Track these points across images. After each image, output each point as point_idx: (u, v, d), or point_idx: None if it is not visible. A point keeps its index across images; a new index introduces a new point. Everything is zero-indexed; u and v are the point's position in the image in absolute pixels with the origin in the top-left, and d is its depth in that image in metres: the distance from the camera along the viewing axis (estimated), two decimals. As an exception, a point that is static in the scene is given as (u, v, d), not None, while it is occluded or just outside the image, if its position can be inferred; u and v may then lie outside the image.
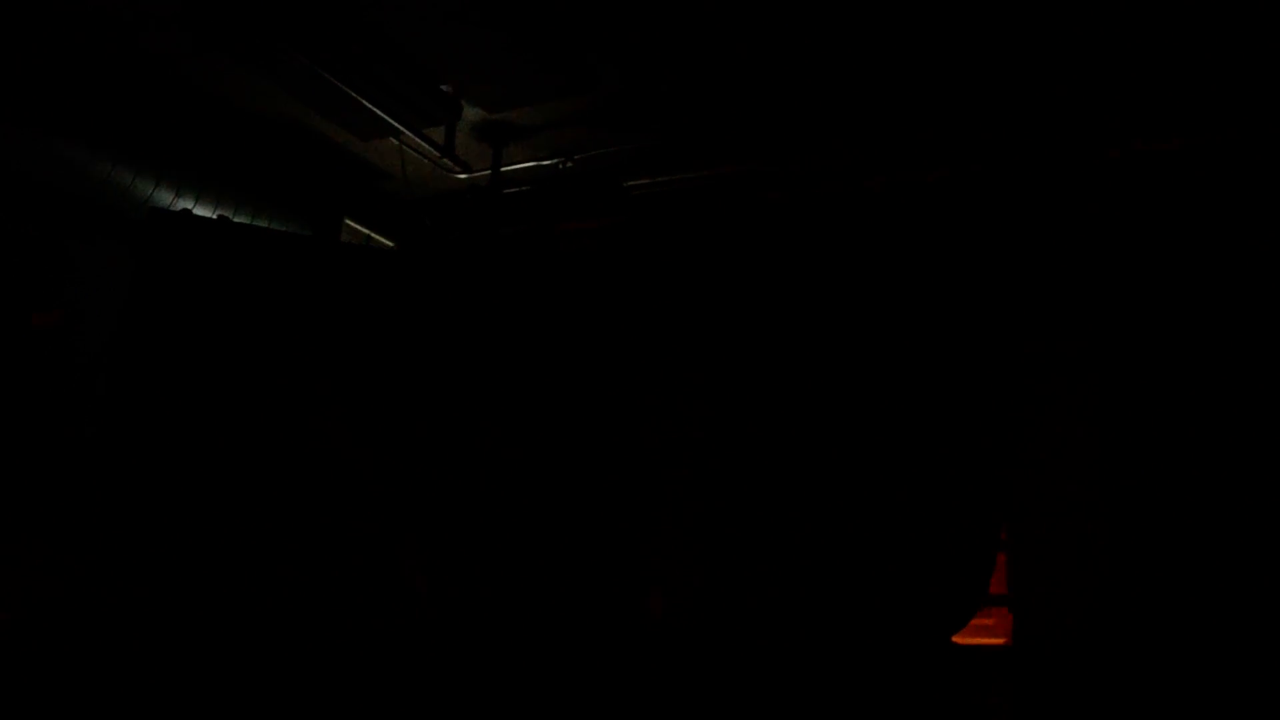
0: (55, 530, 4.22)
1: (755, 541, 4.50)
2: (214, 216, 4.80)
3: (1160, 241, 4.12)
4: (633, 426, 4.70)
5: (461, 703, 3.74)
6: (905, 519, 4.26)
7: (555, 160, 5.25)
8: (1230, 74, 4.06)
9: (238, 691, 3.70)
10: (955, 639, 4.17)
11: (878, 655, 4.15)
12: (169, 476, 4.13)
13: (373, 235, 5.89)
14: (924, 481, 4.27)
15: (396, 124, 4.63)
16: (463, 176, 5.35)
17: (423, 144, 4.93)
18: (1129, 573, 3.87)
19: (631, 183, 5.26)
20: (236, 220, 4.91)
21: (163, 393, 4.21)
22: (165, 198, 4.71)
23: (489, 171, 5.27)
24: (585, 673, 4.02)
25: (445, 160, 5.12)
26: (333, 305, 4.58)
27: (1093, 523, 3.98)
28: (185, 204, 4.77)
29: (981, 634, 4.31)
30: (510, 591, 4.31)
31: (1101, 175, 4.33)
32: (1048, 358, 4.20)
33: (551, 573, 4.34)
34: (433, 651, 4.01)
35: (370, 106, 4.45)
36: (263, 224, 5.14)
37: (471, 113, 4.78)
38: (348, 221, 5.74)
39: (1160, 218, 4.16)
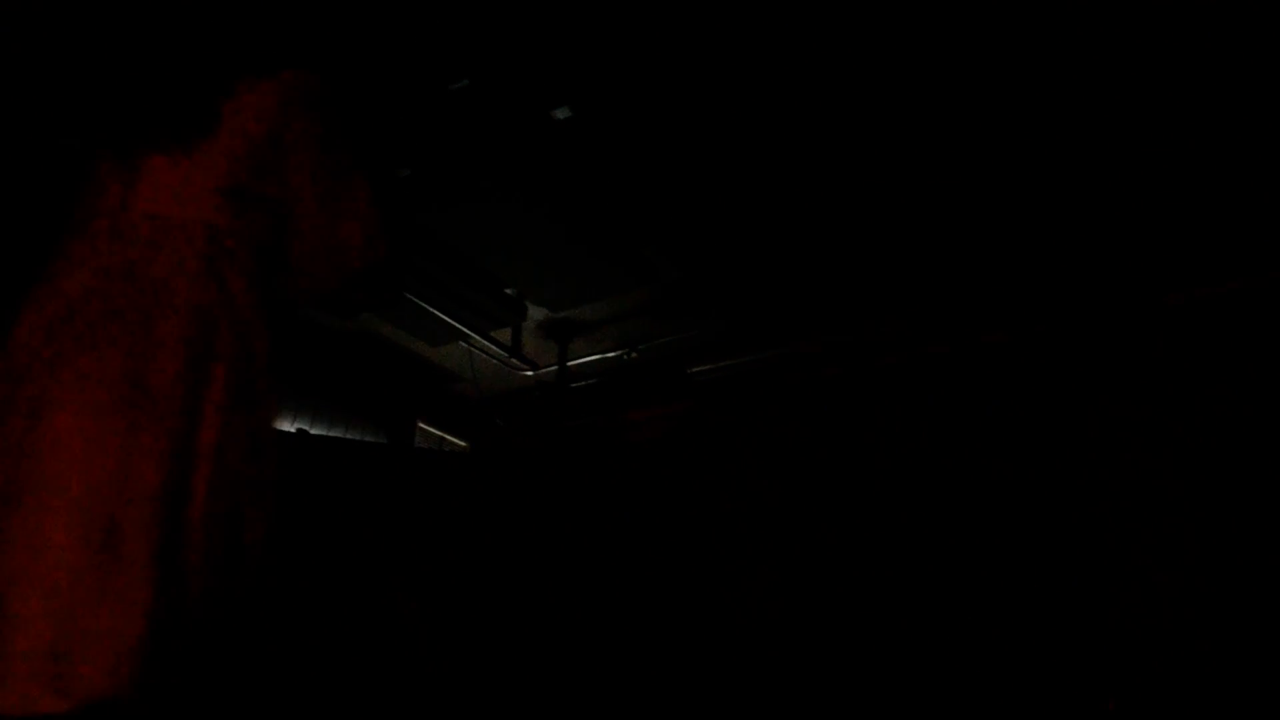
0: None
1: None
2: (293, 429, 4.95)
3: (1232, 379, 4.07)
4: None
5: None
6: (1009, 685, 4.12)
7: (619, 351, 5.36)
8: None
9: None
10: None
11: None
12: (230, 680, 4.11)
13: (446, 436, 6.01)
14: (1028, 648, 4.13)
15: (465, 329, 4.78)
16: (530, 374, 5.47)
17: (490, 345, 5.08)
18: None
19: (695, 368, 5.34)
20: (315, 430, 5.05)
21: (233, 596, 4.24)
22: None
23: (556, 367, 5.39)
24: None
25: (513, 360, 5.25)
26: (407, 507, 4.65)
27: (1204, 692, 3.79)
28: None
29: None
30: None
31: (1161, 321, 4.32)
32: (1140, 515, 4.11)
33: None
34: None
35: (440, 315, 4.61)
36: (340, 432, 5.27)
37: (536, 312, 4.93)
38: (421, 424, 5.87)
39: (1227, 355, 4.13)
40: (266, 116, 1.77)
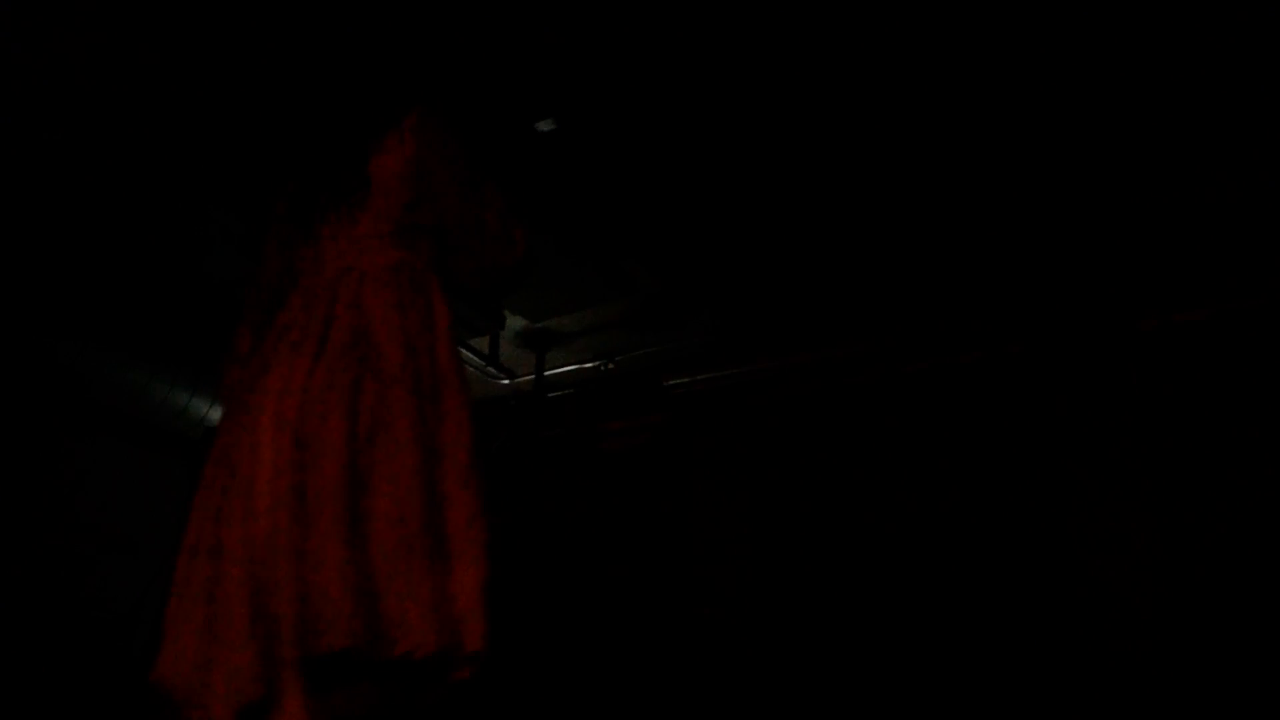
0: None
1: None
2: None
3: (1204, 401, 4.12)
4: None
5: None
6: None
7: (597, 362, 5.37)
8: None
9: None
10: None
11: None
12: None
13: (420, 442, 5.99)
14: (992, 675, 4.16)
15: (442, 336, 4.77)
16: (506, 382, 5.47)
17: (467, 354, 5.07)
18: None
19: (672, 381, 5.34)
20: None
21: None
22: (219, 415, 4.84)
23: (533, 376, 5.39)
24: None
25: (489, 368, 5.25)
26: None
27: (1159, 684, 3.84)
28: (239, 420, 4.89)
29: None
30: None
31: (1137, 345, 4.37)
32: (1097, 534, 4.15)
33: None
34: None
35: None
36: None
37: (514, 321, 4.92)
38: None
39: (1199, 378, 4.17)
40: (408, 161, 2.08)
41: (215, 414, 4.81)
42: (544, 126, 3.41)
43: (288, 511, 1.70)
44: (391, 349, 1.90)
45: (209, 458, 1.91)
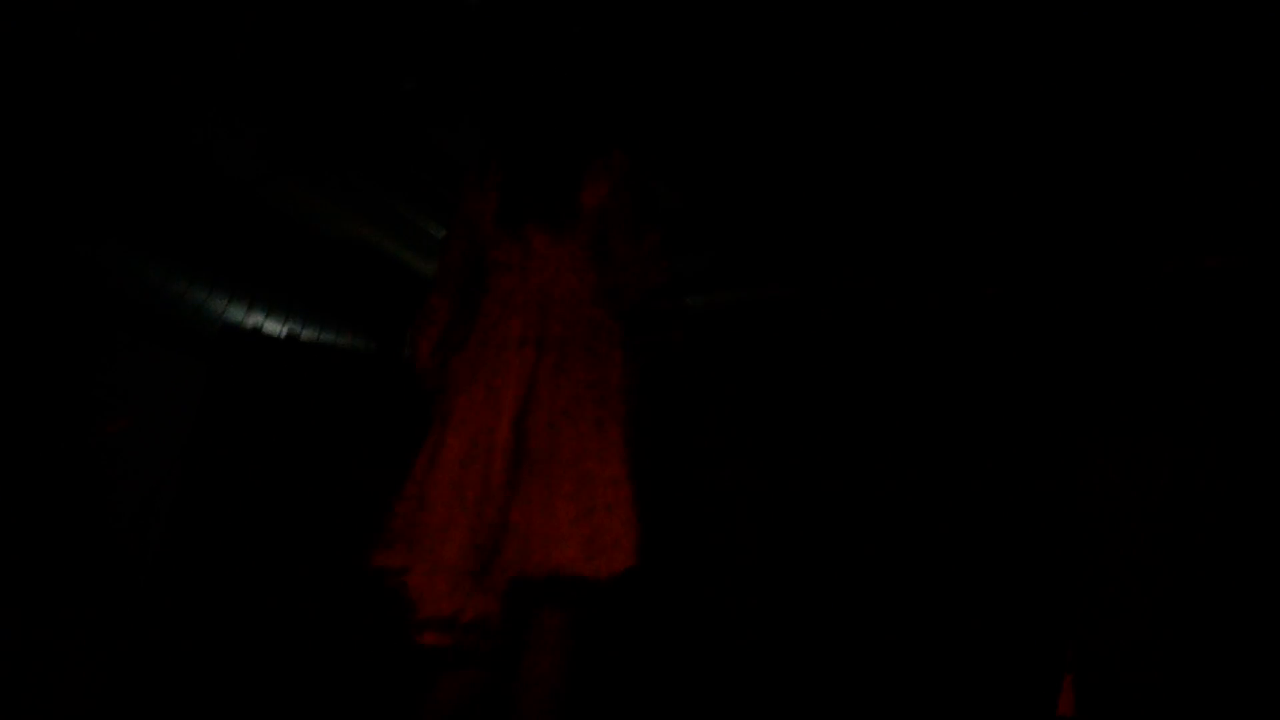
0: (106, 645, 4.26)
1: (807, 657, 4.44)
2: (283, 333, 4.93)
3: (1222, 346, 4.09)
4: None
5: None
6: (971, 635, 4.19)
7: (615, 278, 5.33)
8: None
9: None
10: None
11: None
12: (236, 582, 4.18)
13: (435, 349, 6.00)
14: (990, 598, 4.20)
15: (461, 244, 4.75)
16: (523, 297, 5.44)
17: (487, 270, 5.05)
18: (1203, 694, 3.76)
19: (690, 300, 5.31)
20: (305, 336, 5.04)
21: (226, 511, 4.29)
22: (237, 313, 4.85)
23: (549, 291, 5.35)
24: None
25: (509, 282, 5.22)
26: (395, 418, 4.66)
27: (1162, 642, 3.87)
28: (256, 320, 4.90)
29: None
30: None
31: (1160, 288, 4.32)
32: (1109, 472, 4.15)
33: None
34: None
35: (432, 226, 4.57)
36: (330, 339, 5.26)
37: (533, 232, 4.88)
38: (411, 336, 5.85)
39: (1219, 325, 4.14)
40: (603, 194, 2.47)
41: (233, 312, 4.82)
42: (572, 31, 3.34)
43: (502, 471, 2.27)
44: (585, 353, 2.42)
45: (440, 402, 2.48)
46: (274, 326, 4.96)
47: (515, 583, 2.22)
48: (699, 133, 4.04)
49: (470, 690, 2.24)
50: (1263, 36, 3.20)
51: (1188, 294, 4.24)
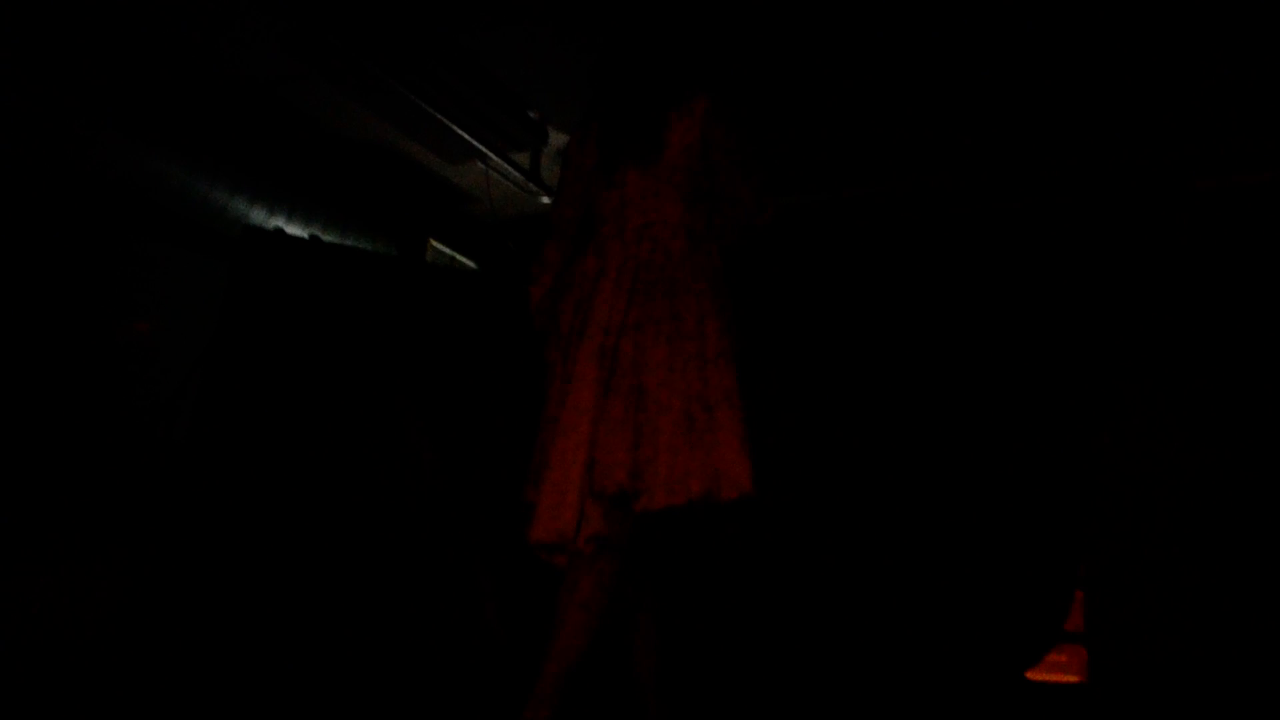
0: (132, 534, 4.35)
1: (822, 563, 4.47)
2: (305, 235, 4.93)
3: (1253, 272, 4.03)
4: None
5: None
6: (982, 549, 4.22)
7: (639, 186, 5.28)
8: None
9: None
10: (1029, 675, 4.11)
11: (949, 686, 4.10)
12: (255, 490, 4.23)
13: (457, 256, 5.98)
14: (1002, 513, 4.22)
15: (484, 149, 4.70)
16: (546, 201, 5.41)
17: (508, 168, 5.00)
18: (1213, 614, 3.78)
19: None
20: (326, 239, 5.03)
21: (251, 405, 4.32)
22: (259, 215, 4.84)
23: (573, 197, 5.31)
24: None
25: (530, 184, 5.18)
26: (418, 322, 4.67)
27: (1175, 558, 3.89)
28: (277, 222, 4.90)
29: (1056, 670, 4.24)
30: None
31: (1191, 209, 4.25)
32: (1136, 390, 4.13)
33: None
34: (501, 677, 4.05)
35: (459, 131, 4.52)
36: (351, 243, 5.25)
37: (557, 139, 4.84)
38: (433, 242, 5.83)
39: (1254, 248, 4.07)
40: (695, 134, 2.65)
41: (255, 214, 4.81)
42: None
43: (619, 407, 2.44)
44: (682, 290, 2.56)
45: (552, 344, 2.74)
46: (296, 228, 4.95)
47: (637, 512, 2.41)
48: (731, 45, 3.97)
49: (606, 580, 2.45)
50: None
51: (1223, 215, 4.17)
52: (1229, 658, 3.70)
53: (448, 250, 5.93)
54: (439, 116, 4.40)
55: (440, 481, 4.46)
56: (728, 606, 4.39)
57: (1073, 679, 4.23)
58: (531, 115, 4.64)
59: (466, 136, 4.57)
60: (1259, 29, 3.60)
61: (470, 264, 6.08)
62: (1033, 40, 3.80)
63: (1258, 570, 3.74)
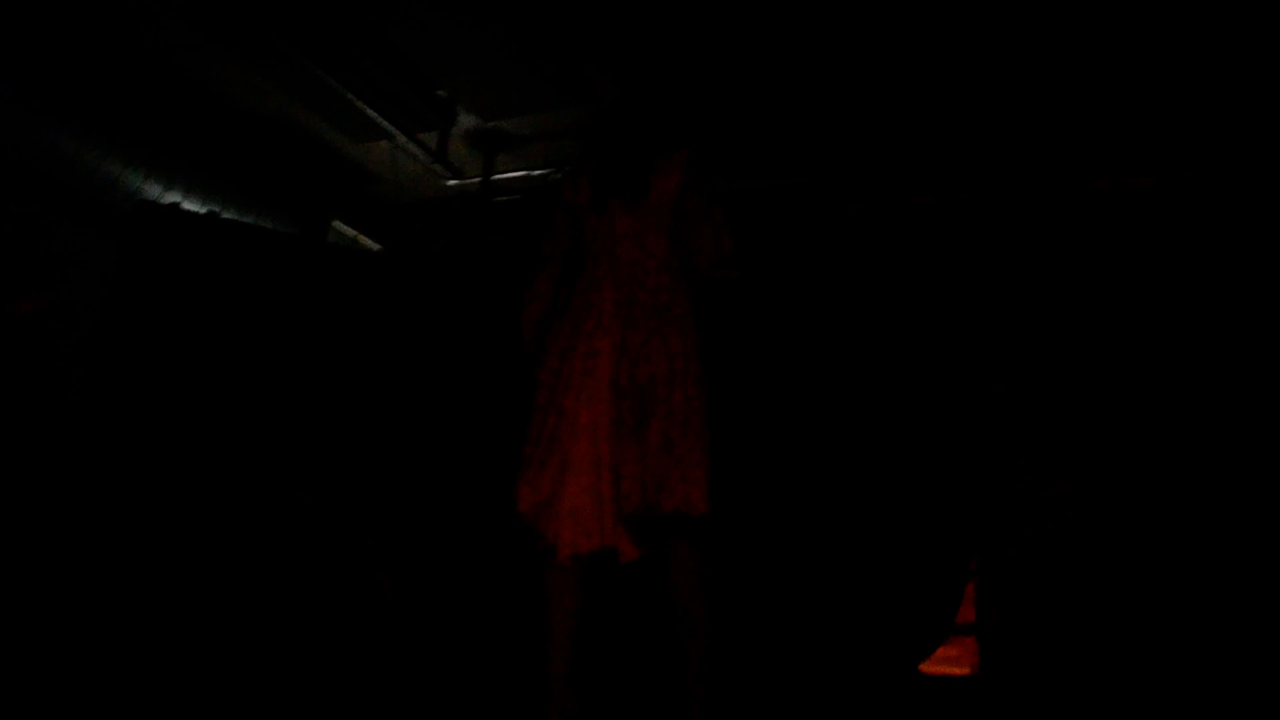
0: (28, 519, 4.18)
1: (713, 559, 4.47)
2: (203, 211, 4.79)
3: (1141, 268, 4.17)
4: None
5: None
6: (873, 543, 4.25)
7: (547, 171, 5.26)
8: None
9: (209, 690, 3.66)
10: (922, 668, 4.17)
11: (843, 681, 4.14)
12: (143, 471, 4.10)
13: (360, 237, 5.88)
14: (893, 507, 4.25)
15: (390, 127, 4.63)
16: (453, 183, 5.35)
17: (415, 148, 4.94)
18: (1101, 605, 3.89)
19: (621, 195, 5.26)
20: (226, 216, 4.89)
21: (143, 386, 4.19)
22: (154, 190, 4.69)
23: (480, 179, 5.27)
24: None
25: (437, 166, 5.12)
26: (318, 303, 4.57)
27: (1066, 553, 3.98)
28: (174, 197, 4.75)
29: (947, 664, 4.31)
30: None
31: (1085, 206, 4.38)
32: (1023, 385, 4.22)
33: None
34: (399, 656, 3.99)
35: (365, 108, 4.45)
36: (251, 221, 5.12)
37: (466, 119, 4.79)
38: (335, 223, 5.73)
39: (1137, 248, 4.21)
40: (675, 183, 2.96)
41: (150, 189, 4.66)
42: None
43: (613, 426, 2.72)
44: (669, 318, 2.87)
45: (544, 365, 2.94)
46: (194, 204, 4.81)
47: (635, 520, 2.70)
48: (639, 21, 3.96)
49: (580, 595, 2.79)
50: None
51: (1119, 214, 4.30)
52: (1118, 647, 3.82)
53: (351, 231, 5.82)
54: (344, 92, 4.33)
55: (337, 461, 4.38)
56: (627, 603, 4.39)
57: (964, 671, 4.30)
58: (440, 94, 4.58)
59: (373, 114, 4.50)
60: (1153, 39, 3.74)
61: (374, 245, 5.98)
62: (940, 42, 3.88)
63: (1145, 560, 3.86)
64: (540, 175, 5.30)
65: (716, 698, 2.83)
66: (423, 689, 3.91)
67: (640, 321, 2.83)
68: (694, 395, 2.81)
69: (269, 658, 3.88)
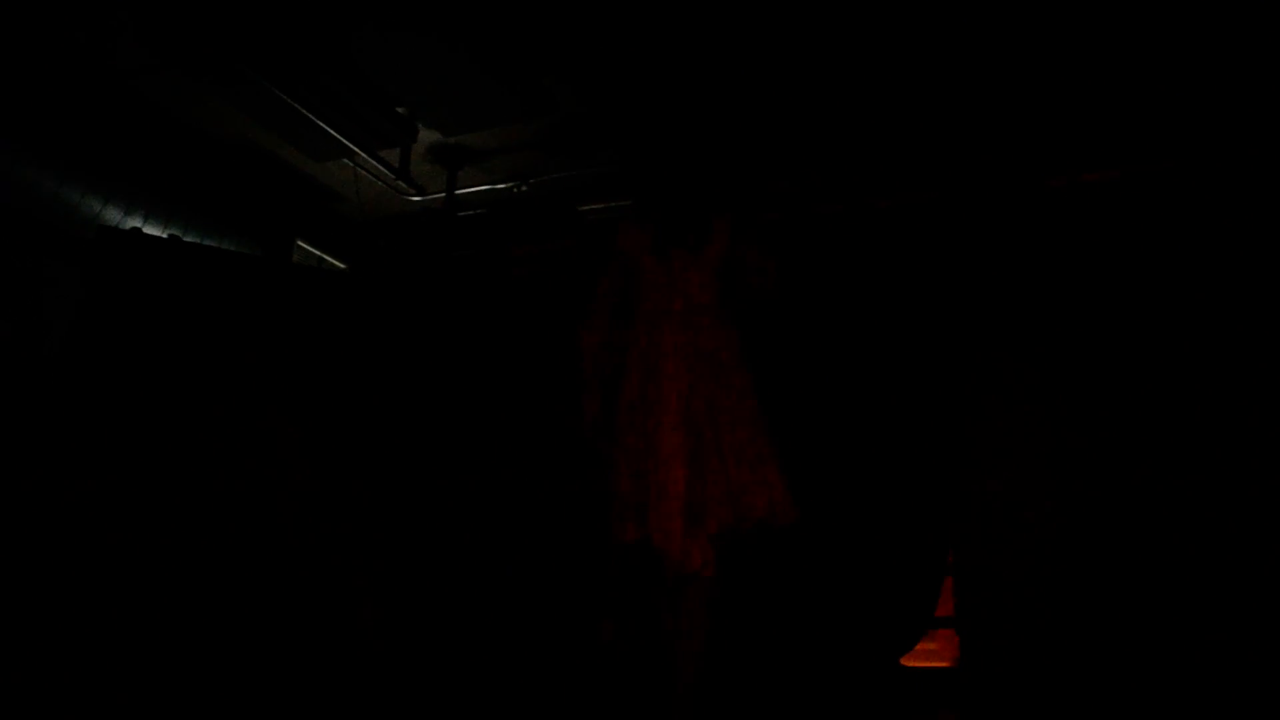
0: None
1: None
2: (164, 235, 4.75)
3: (1105, 262, 4.22)
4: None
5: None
6: (854, 538, 4.27)
7: (510, 184, 5.27)
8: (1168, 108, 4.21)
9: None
10: (903, 661, 4.19)
11: (825, 676, 4.15)
12: (112, 496, 4.05)
13: (325, 257, 5.85)
14: (873, 503, 4.28)
15: (351, 145, 4.61)
16: (416, 199, 5.34)
17: (377, 166, 4.92)
18: (1078, 596, 3.92)
19: (585, 207, 5.28)
20: (187, 239, 4.86)
21: (108, 414, 4.14)
22: (114, 216, 4.65)
23: (443, 194, 5.27)
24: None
25: (399, 182, 5.11)
26: (284, 326, 4.54)
27: (1042, 546, 4.02)
28: (134, 222, 4.71)
29: (927, 657, 4.33)
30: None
31: (1048, 202, 4.43)
32: (997, 380, 4.26)
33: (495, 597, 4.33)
34: (380, 678, 3.97)
35: (325, 127, 4.43)
36: (213, 244, 5.08)
37: (427, 135, 4.78)
38: (299, 243, 5.69)
39: (1103, 240, 4.26)
40: (726, 238, 3.56)
41: (110, 214, 4.62)
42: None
43: (686, 449, 3.25)
44: (726, 355, 3.40)
45: (625, 392, 3.43)
46: (155, 228, 4.76)
47: (719, 536, 3.24)
48: (599, 34, 3.98)
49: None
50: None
51: (1074, 211, 4.35)
52: (1097, 638, 3.85)
53: (315, 251, 5.79)
54: (304, 111, 4.30)
55: (309, 480, 4.35)
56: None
57: (945, 664, 4.33)
58: (400, 111, 4.57)
59: (333, 132, 4.48)
60: (1107, 39, 3.80)
61: (339, 264, 5.96)
62: (899, 43, 3.92)
63: (1122, 552, 3.89)
64: (504, 189, 5.30)
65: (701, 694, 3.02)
66: (403, 710, 3.89)
67: (703, 361, 3.34)
68: (753, 422, 3.39)
69: (238, 690, 3.85)
